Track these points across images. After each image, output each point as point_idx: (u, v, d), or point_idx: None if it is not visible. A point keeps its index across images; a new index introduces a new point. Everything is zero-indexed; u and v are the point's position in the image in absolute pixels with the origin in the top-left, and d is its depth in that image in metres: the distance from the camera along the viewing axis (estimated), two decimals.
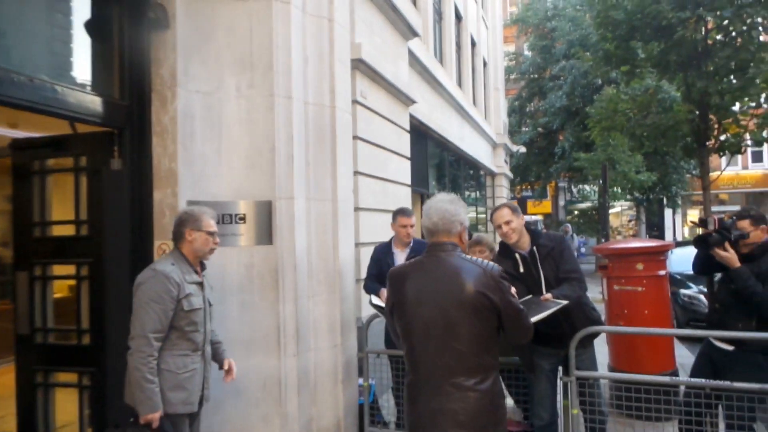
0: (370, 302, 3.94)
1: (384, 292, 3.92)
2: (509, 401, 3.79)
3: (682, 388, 4.19)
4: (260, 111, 3.51)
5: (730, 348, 3.19)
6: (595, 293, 7.53)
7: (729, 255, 3.14)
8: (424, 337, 2.23)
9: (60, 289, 3.59)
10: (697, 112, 11.67)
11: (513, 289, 2.85)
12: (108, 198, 3.21)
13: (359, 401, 4.21)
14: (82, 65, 3.22)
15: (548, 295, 3.10)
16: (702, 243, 3.28)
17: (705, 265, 3.49)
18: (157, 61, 3.31)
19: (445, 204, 2.33)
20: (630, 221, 28.80)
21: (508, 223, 3.18)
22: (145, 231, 3.31)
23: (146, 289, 2.56)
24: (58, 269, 3.47)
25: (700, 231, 3.38)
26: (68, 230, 3.38)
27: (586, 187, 23.05)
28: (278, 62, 3.53)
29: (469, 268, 2.20)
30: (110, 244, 3.21)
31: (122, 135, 3.24)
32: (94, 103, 3.07)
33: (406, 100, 6.80)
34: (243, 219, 3.51)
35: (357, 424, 4.19)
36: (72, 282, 3.43)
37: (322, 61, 3.89)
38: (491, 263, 2.28)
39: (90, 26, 3.22)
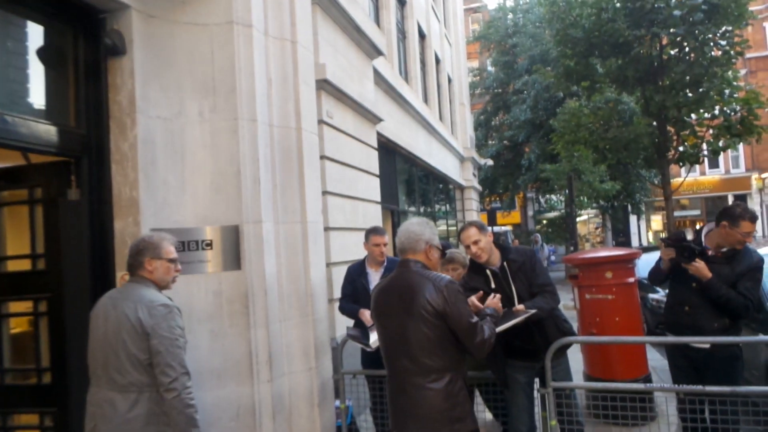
0: (348, 334, 3.89)
1: (364, 312, 3.88)
2: (488, 415, 3.78)
3: (656, 393, 4.25)
4: (224, 135, 3.46)
5: (707, 346, 3.24)
6: (567, 300, 7.62)
7: (702, 266, 3.19)
8: (388, 344, 2.59)
9: (17, 326, 3.43)
10: (656, 124, 12.08)
11: (476, 301, 2.86)
12: (66, 230, 3.10)
13: (337, 423, 4.13)
14: (35, 93, 3.13)
15: (521, 307, 3.12)
16: (690, 254, 3.22)
17: (661, 278, 3.55)
18: (115, 88, 3.24)
19: (413, 226, 2.66)
20: (597, 228, 29.42)
21: (476, 242, 3.18)
22: (106, 262, 3.20)
23: (169, 326, 2.42)
24: (15, 306, 3.32)
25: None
26: (24, 265, 3.23)
27: (553, 197, 23.49)
28: (241, 86, 3.49)
29: (421, 282, 2.48)
30: (70, 278, 3.08)
31: (79, 164, 3.14)
32: (49, 132, 2.97)
33: (373, 118, 6.82)
34: (210, 245, 3.44)
35: None
36: (30, 318, 3.28)
37: (286, 83, 3.87)
38: (442, 276, 2.53)
39: (44, 53, 3.13)
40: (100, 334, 2.46)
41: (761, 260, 3.24)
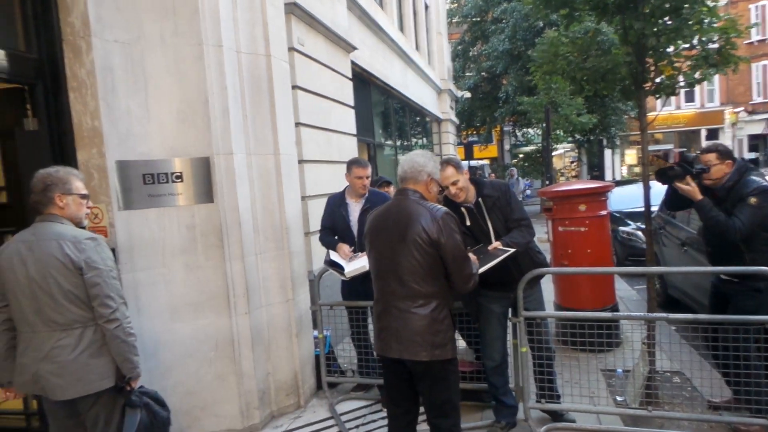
0: (326, 262, 3.87)
1: (342, 246, 3.87)
2: (461, 343, 3.90)
3: (623, 321, 4.42)
4: (188, 61, 3.28)
5: (736, 279, 3.28)
6: (541, 233, 7.78)
7: (690, 188, 3.21)
8: (378, 267, 2.62)
9: None
10: (634, 54, 11.91)
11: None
12: (26, 161, 2.95)
13: (315, 352, 4.23)
14: None
15: (497, 244, 3.12)
16: (662, 176, 3.32)
17: (676, 203, 3.55)
18: (66, 8, 3.00)
19: (418, 157, 2.66)
20: (572, 163, 29.70)
21: (455, 183, 3.11)
22: None
23: (102, 258, 2.38)
24: None
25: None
26: None
27: (530, 130, 23.43)
28: (204, 7, 3.27)
29: (418, 210, 2.50)
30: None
31: (34, 91, 2.96)
32: None
33: (347, 47, 6.55)
34: (180, 177, 3.34)
35: (315, 375, 4.23)
36: None
37: (253, 5, 3.64)
38: (439, 207, 2.54)
39: None
40: (22, 280, 2.34)
41: (758, 188, 3.16)
